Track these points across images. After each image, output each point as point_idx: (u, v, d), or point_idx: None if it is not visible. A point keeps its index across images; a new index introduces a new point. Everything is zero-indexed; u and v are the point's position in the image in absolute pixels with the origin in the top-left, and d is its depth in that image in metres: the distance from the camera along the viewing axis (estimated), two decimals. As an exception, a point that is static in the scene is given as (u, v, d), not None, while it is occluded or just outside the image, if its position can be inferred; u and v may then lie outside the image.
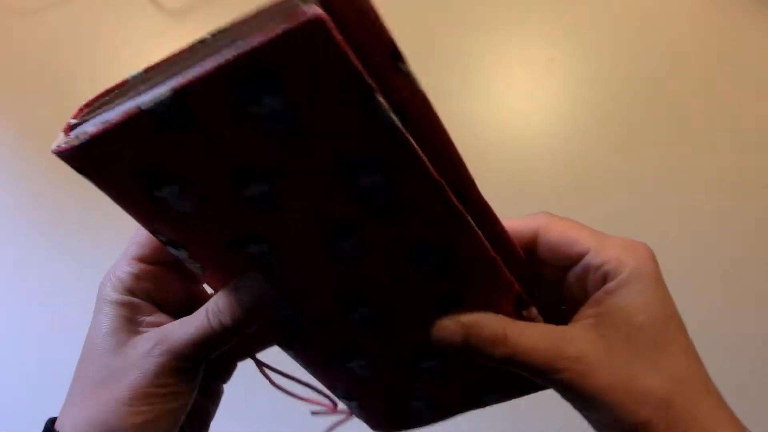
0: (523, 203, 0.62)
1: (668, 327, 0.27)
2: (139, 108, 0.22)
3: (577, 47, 0.69)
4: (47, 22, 0.70)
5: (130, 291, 0.30)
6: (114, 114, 0.23)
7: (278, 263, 0.27)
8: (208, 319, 0.28)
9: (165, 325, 0.29)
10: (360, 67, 0.20)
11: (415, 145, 0.22)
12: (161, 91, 0.21)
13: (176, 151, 0.23)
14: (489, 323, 0.27)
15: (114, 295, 0.30)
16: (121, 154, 0.24)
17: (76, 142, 0.24)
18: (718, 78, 0.66)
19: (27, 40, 0.70)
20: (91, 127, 0.24)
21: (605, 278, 0.27)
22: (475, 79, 0.70)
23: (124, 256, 0.31)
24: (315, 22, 0.18)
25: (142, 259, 0.31)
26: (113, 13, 0.70)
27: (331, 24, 0.19)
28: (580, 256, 0.28)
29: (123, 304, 0.30)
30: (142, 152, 0.24)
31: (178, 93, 0.21)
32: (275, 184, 0.24)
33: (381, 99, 0.21)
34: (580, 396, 0.26)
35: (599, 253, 0.28)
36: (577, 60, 0.69)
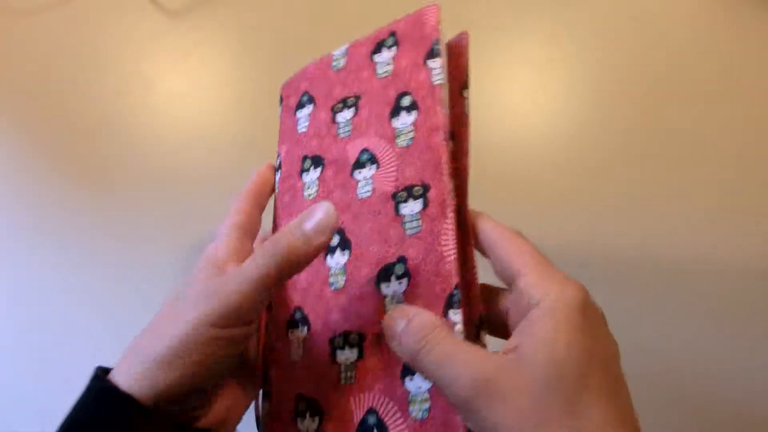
0: (522, 204, 0.62)
1: (589, 368, 0.25)
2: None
3: (578, 47, 0.69)
4: (47, 22, 0.70)
5: (232, 250, 0.33)
6: None
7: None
8: (262, 254, 0.29)
9: (226, 273, 0.30)
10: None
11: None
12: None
13: None
14: (420, 319, 0.28)
15: (210, 253, 0.33)
16: None
17: None
18: (720, 78, 0.66)
19: (27, 40, 0.70)
20: None
21: (528, 304, 0.27)
22: (474, 79, 0.70)
23: (225, 230, 0.35)
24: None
25: (240, 229, 0.35)
26: (113, 13, 0.70)
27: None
28: (515, 275, 0.29)
29: (214, 260, 0.32)
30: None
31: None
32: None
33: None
34: (481, 422, 0.25)
35: (529, 276, 0.28)
36: (578, 60, 0.69)
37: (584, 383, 0.24)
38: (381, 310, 0.32)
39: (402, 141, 0.34)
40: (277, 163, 0.40)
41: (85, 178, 0.65)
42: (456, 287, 0.30)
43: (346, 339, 0.32)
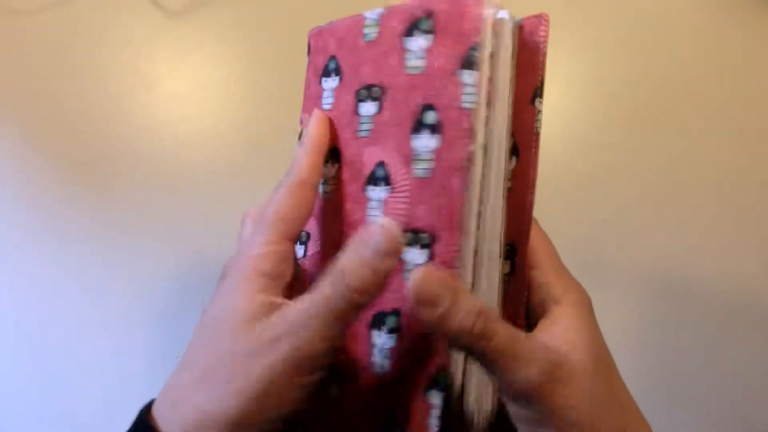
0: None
1: (611, 360, 0.28)
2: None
3: (578, 47, 0.69)
4: (47, 22, 0.70)
5: (279, 276, 0.27)
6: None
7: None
8: (332, 285, 0.25)
9: (288, 308, 0.26)
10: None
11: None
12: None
13: None
14: (469, 298, 0.25)
15: (258, 280, 0.26)
16: None
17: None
18: (722, 77, 0.66)
19: (27, 40, 0.70)
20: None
21: (545, 300, 0.29)
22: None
23: (266, 229, 0.28)
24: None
25: (288, 237, 0.28)
26: (113, 13, 0.70)
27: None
28: (530, 267, 0.30)
29: (265, 290, 0.26)
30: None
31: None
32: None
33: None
34: (548, 405, 0.25)
35: (546, 272, 0.30)
36: (578, 60, 0.69)
37: (614, 371, 0.28)
38: (367, 360, 0.29)
39: (419, 169, 0.28)
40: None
41: (85, 178, 0.65)
42: (442, 368, 0.27)
43: (331, 374, 0.29)
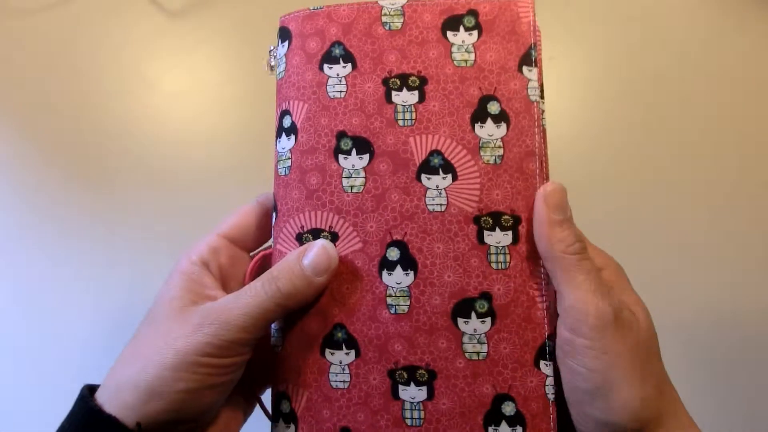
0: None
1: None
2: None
3: (578, 46, 0.69)
4: (47, 22, 0.70)
5: (204, 262, 0.31)
6: None
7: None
8: (263, 287, 0.28)
9: (220, 299, 0.29)
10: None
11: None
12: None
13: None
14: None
15: (185, 266, 0.31)
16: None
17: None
18: (722, 77, 0.66)
19: (27, 40, 0.70)
20: None
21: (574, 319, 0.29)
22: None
23: (211, 232, 0.33)
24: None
25: (227, 236, 0.32)
26: (113, 13, 0.70)
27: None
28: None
29: (190, 275, 0.30)
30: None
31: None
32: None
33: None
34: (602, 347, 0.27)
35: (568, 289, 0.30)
36: (578, 59, 0.69)
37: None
38: (457, 349, 0.29)
39: (488, 156, 0.30)
40: (285, 123, 0.32)
41: (84, 178, 0.65)
42: (548, 337, 0.29)
43: (411, 374, 0.29)
